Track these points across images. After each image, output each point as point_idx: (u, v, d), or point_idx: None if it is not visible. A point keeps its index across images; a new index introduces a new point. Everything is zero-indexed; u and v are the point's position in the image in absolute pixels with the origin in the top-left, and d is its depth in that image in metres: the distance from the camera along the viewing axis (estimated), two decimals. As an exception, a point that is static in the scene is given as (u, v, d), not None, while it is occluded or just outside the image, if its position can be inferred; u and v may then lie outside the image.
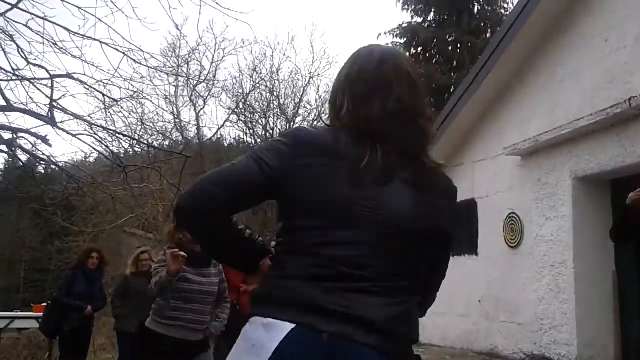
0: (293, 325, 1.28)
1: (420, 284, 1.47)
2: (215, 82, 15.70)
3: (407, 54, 21.83)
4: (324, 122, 1.57)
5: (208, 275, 4.05)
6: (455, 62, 20.92)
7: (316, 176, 1.37)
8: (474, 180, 9.10)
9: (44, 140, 6.36)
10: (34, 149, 7.08)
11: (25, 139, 6.76)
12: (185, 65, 14.84)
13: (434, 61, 21.74)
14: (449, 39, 21.35)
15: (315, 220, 1.36)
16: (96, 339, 11.02)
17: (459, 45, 21.17)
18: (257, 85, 16.06)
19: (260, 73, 16.13)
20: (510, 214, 8.07)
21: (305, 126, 1.51)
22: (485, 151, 8.89)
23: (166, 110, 16.20)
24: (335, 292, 1.31)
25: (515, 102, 8.26)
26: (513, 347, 7.84)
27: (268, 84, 16.11)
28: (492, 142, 8.68)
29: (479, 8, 21.54)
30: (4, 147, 6.61)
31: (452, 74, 20.76)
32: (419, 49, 22.05)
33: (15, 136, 6.53)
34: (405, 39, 22.10)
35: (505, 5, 20.93)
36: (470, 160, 9.26)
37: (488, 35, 20.07)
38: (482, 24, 21.40)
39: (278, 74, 16.26)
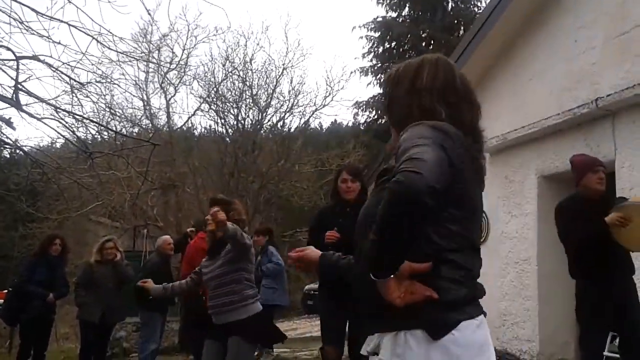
0: (482, 315, 1.54)
1: None
2: (187, 69, 15.49)
3: (381, 48, 21.90)
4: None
5: (216, 262, 4.13)
6: (428, 58, 21.03)
7: (468, 172, 1.58)
8: (443, 176, 9.16)
9: (8, 123, 6.18)
10: (-3, 131, 6.90)
11: (-11, 121, 6.56)
12: (157, 52, 14.59)
13: (407, 56, 21.83)
14: (423, 35, 21.46)
15: (471, 216, 1.57)
16: (59, 328, 10.84)
17: (432, 42, 21.29)
18: (230, 74, 15.90)
19: (233, 62, 15.96)
20: (477, 210, 8.16)
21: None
22: (454, 147, 8.94)
23: (136, 96, 15.93)
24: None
25: (484, 100, 8.27)
26: (476, 342, 7.94)
27: (241, 73, 15.95)
28: (461, 138, 8.74)
29: (453, 5, 21.68)
30: (-35, 129, 6.41)
31: (425, 70, 20.84)
32: (393, 43, 22.14)
33: (-23, 118, 6.33)
34: (379, 33, 22.15)
35: (479, 3, 21.12)
36: (439, 156, 9.33)
37: (461, 33, 20.24)
38: (456, 21, 21.56)
39: (251, 64, 16.09)
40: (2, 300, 7.16)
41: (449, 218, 1.47)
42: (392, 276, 1.37)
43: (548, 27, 7.24)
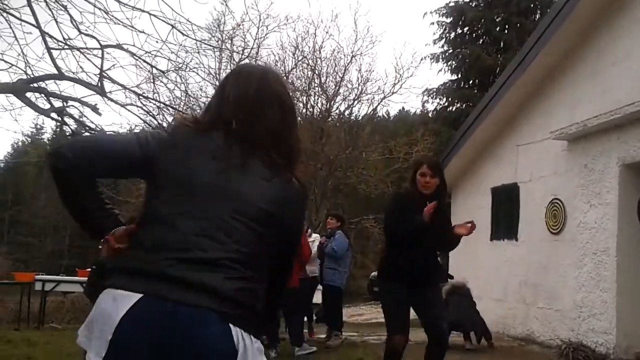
0: (139, 296, 1.39)
1: (264, 262, 1.58)
2: (259, 58, 15.73)
3: (453, 33, 21.42)
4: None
5: None
6: (502, 43, 20.49)
7: (180, 156, 1.54)
8: (517, 164, 8.97)
9: (94, 109, 6.50)
10: (83, 117, 7.26)
11: (75, 107, 6.92)
12: (229, 41, 14.89)
13: (480, 42, 21.37)
14: (497, 19, 20.89)
15: (170, 195, 1.51)
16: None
17: (506, 26, 20.70)
18: (299, 62, 16.04)
19: (303, 51, 16.08)
20: (553, 199, 7.94)
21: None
22: (530, 135, 8.73)
23: (211, 84, 16.32)
24: (180, 262, 1.43)
25: (564, 86, 8.07)
26: (550, 334, 7.77)
27: (310, 62, 16.06)
28: (537, 125, 8.52)
29: (529, -12, 20.94)
30: (54, 115, 6.77)
31: (499, 55, 20.32)
32: (465, 28, 21.69)
33: (65, 104, 6.69)
34: (451, 18, 21.76)
35: (557, -14, 20.31)
36: (514, 144, 9.12)
37: (537, 17, 19.58)
38: (532, 5, 20.86)
39: (320, 52, 16.16)
40: (86, 278, 7.54)
41: (146, 190, 1.59)
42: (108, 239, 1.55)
43: (632, 10, 6.93)
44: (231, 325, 1.42)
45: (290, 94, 1.80)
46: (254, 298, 1.51)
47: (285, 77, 16.11)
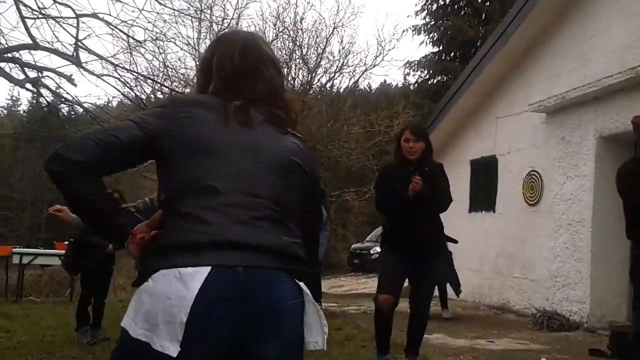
0: (209, 268, 1.31)
1: (297, 207, 1.56)
2: (239, 28, 15.52)
3: (435, 5, 21.33)
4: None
5: None
6: (484, 15, 20.40)
7: (190, 123, 1.47)
8: (496, 136, 9.03)
9: (70, 79, 6.40)
10: (59, 89, 7.13)
11: (51, 78, 6.80)
12: (209, 11, 14.64)
13: (462, 13, 21.27)
14: (479, -9, 20.74)
15: (197, 163, 1.44)
16: (116, 279, 11.31)
17: (488, -2, 20.56)
18: (280, 34, 15.84)
19: (284, 22, 15.87)
20: (531, 171, 8.03)
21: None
22: (509, 107, 8.78)
23: (190, 54, 16.09)
24: (236, 226, 1.38)
25: (543, 59, 8.10)
26: (525, 303, 7.93)
27: (291, 33, 15.86)
28: (516, 98, 8.57)
29: (511, -40, 20.83)
30: (29, 86, 6.64)
31: (480, 28, 20.28)
32: (447, 0, 21.54)
33: (40, 75, 6.56)
34: (433, -10, 21.56)
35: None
36: (493, 116, 9.17)
37: (519, -11, 19.45)
38: (513, -23, 20.74)
39: (302, 23, 15.95)
40: (64, 252, 7.50)
41: (165, 168, 1.49)
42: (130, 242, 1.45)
43: (612, -19, 6.95)
44: (294, 279, 1.44)
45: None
46: (301, 250, 1.51)
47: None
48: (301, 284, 1.46)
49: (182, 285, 1.29)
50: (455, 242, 4.42)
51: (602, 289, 6.72)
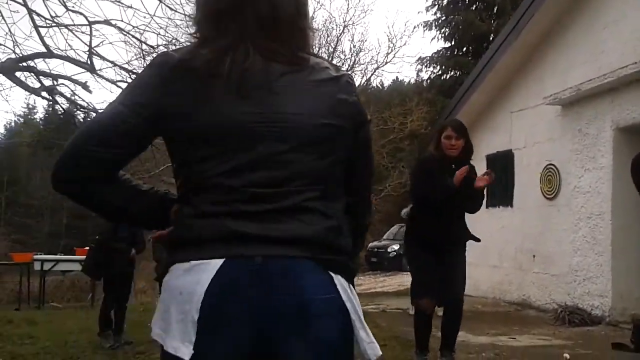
0: (222, 261, 1.19)
1: (340, 189, 1.35)
2: None
3: (446, 0, 21.23)
4: (330, 68, 1.41)
5: None
6: (495, 9, 20.25)
7: (198, 99, 1.24)
8: (512, 131, 8.97)
9: (85, 86, 6.46)
10: (74, 96, 7.21)
11: (66, 86, 6.87)
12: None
13: (473, 7, 21.13)
14: (490, -15, 20.60)
15: (211, 148, 1.24)
16: (136, 283, 11.41)
17: (500, -9, 20.40)
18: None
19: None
20: (548, 165, 7.97)
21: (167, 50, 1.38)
22: (524, 101, 8.72)
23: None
24: (254, 217, 1.22)
25: (557, 50, 8.03)
26: (545, 298, 7.87)
27: (302, 33, 15.88)
28: (531, 91, 8.50)
29: (522, -48, 20.65)
30: (45, 94, 6.73)
31: (492, 21, 20.15)
32: (458, -5, 21.38)
33: (55, 83, 6.64)
34: (443, -15, 21.46)
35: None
36: (508, 110, 9.11)
37: (530, -19, 19.28)
38: (525, -31, 20.56)
39: (312, 23, 15.99)
40: (85, 257, 7.58)
41: (179, 161, 1.31)
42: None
43: (626, -29, 6.87)
44: (328, 271, 1.25)
45: None
46: (342, 238, 1.30)
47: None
48: (339, 277, 1.26)
49: (191, 278, 1.18)
50: (478, 240, 4.39)
51: (624, 282, 6.65)
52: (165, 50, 1.37)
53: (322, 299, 1.23)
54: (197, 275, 1.18)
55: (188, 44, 1.36)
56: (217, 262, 1.18)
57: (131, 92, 1.30)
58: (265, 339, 1.20)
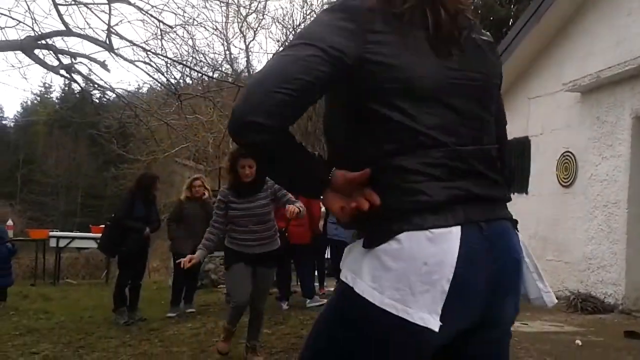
0: (459, 228, 1.16)
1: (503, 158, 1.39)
2: (266, 12, 15.50)
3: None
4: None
5: (256, 200, 4.43)
6: (515, -6, 19.94)
7: (397, 51, 1.18)
8: (529, 117, 8.89)
9: (103, 65, 6.48)
10: (91, 75, 7.24)
11: (84, 64, 6.90)
12: (236, -6, 14.64)
13: (493, -7, 20.83)
14: (510, -31, 20.30)
15: (419, 102, 1.19)
16: (150, 261, 11.53)
17: (520, -23, 20.11)
18: (308, 16, 15.78)
19: (312, 4, 15.82)
20: (565, 152, 7.90)
21: None
22: (542, 87, 8.62)
23: (220, 38, 16.14)
24: (472, 179, 1.22)
25: (577, 37, 7.92)
26: (558, 285, 7.84)
27: (319, 15, 15.78)
28: (549, 78, 8.41)
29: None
30: (63, 72, 6.75)
31: (512, 6, 19.89)
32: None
33: (74, 61, 6.67)
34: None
35: None
36: (525, 97, 9.02)
37: (551, -34, 18.98)
38: (546, -46, 20.24)
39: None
40: (101, 235, 7.67)
41: (380, 117, 1.20)
42: (328, 191, 1.23)
43: (651, -45, 6.74)
44: (516, 230, 1.33)
45: None
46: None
47: (293, 32, 15.90)
48: (520, 235, 1.33)
49: (438, 248, 1.14)
50: None
51: (638, 271, 6.61)
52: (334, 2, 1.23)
53: (522, 258, 1.31)
54: (443, 244, 1.14)
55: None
56: (458, 230, 1.16)
57: (317, 37, 1.17)
58: (490, 304, 1.21)
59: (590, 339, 5.23)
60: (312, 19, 1.32)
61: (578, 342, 5.01)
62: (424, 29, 1.20)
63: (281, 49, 1.09)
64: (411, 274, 1.13)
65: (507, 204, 1.33)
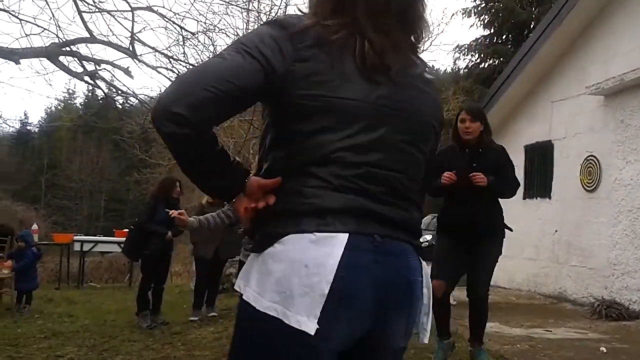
0: (347, 235, 1.17)
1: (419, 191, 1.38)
2: (286, 18, 15.52)
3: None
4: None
5: None
6: (536, -3, 19.77)
7: (324, 70, 1.20)
8: (552, 121, 8.81)
9: (126, 71, 6.55)
10: (114, 81, 7.33)
11: (108, 71, 6.99)
12: (256, 1, 14.72)
13: (514, -5, 20.67)
14: (531, -28, 20.16)
15: (337, 121, 1.20)
16: (173, 265, 11.61)
17: (541, -22, 19.95)
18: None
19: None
20: (588, 156, 7.81)
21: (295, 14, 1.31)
22: (565, 90, 8.54)
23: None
24: (375, 197, 1.23)
25: (600, 39, 7.83)
26: (582, 292, 7.74)
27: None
28: (572, 81, 8.32)
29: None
30: (87, 78, 6.85)
31: (533, 9, 19.72)
32: (498, -18, 20.96)
33: (97, 67, 6.76)
34: (483, -28, 21.06)
35: None
36: (548, 100, 8.94)
37: (574, -32, 18.79)
38: (568, -44, 20.03)
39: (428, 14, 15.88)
40: (125, 239, 7.75)
41: (299, 131, 1.22)
42: (241, 195, 1.26)
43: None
44: (419, 257, 1.33)
45: None
46: (420, 227, 1.39)
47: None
48: (424, 263, 1.35)
49: (320, 251, 1.14)
50: (510, 230, 4.32)
51: (665, 277, 6.51)
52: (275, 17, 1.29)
53: (419, 281, 1.30)
54: (326, 248, 1.15)
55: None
56: (344, 236, 1.16)
57: (252, 46, 1.20)
58: (376, 318, 1.22)
59: (614, 346, 5.15)
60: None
61: (603, 349, 4.94)
62: (353, 56, 1.22)
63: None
64: (292, 276, 1.14)
65: (416, 242, 1.33)
